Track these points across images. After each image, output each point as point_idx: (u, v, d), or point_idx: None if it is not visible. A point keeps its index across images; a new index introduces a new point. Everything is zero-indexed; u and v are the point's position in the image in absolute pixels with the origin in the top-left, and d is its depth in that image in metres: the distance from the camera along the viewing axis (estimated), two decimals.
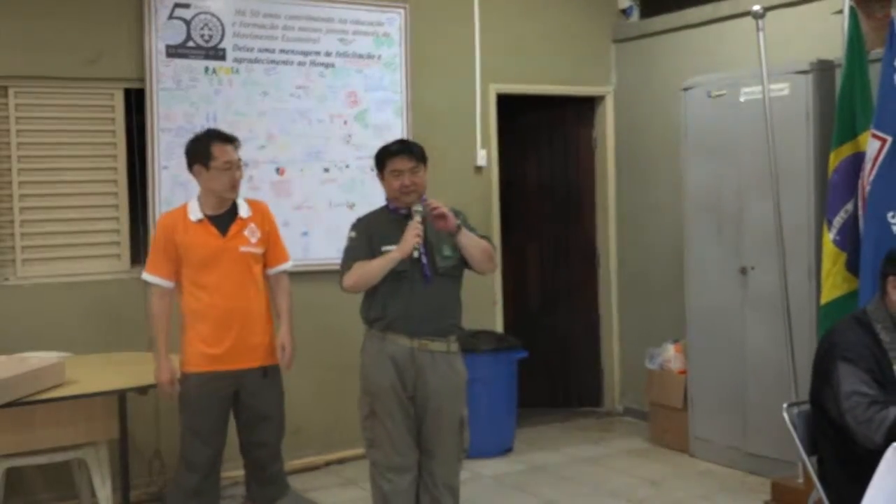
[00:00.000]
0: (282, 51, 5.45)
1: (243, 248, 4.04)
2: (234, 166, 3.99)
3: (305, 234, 5.53)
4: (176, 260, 3.98)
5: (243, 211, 4.09)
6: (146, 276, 4.04)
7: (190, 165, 4.03)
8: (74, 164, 5.09)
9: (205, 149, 3.96)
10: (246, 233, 4.06)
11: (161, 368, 3.95)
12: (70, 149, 5.08)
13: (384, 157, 3.78)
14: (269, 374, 4.08)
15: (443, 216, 3.61)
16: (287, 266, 4.22)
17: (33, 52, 4.92)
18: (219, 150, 3.94)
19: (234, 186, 4.01)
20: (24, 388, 3.93)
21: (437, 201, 3.69)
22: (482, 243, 3.77)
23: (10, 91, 4.89)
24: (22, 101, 4.94)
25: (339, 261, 3.93)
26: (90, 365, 4.47)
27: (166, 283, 3.99)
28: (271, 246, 4.16)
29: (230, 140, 4.02)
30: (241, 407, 4.07)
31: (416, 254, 3.63)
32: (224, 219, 4.03)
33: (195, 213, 4.01)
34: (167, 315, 4.01)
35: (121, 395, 4.15)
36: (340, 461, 5.53)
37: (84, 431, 4.19)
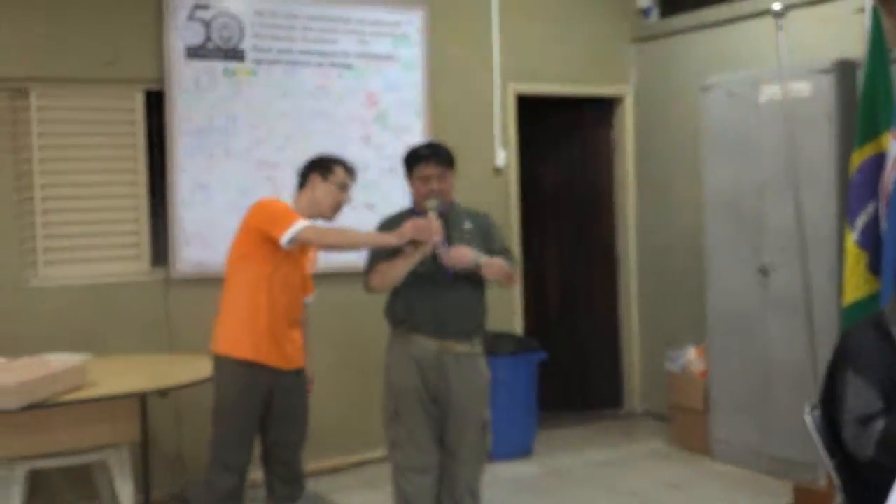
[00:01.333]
0: (301, 52, 5.48)
1: (307, 266, 4.10)
2: (346, 191, 4.00)
3: None
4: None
5: None
6: (297, 224, 3.79)
7: (307, 173, 4.01)
8: (95, 166, 5.14)
9: (330, 164, 4.00)
10: (311, 255, 4.11)
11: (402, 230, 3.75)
12: (91, 150, 5.12)
13: (413, 161, 3.82)
14: (300, 375, 4.12)
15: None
16: (310, 299, 4.24)
17: (53, 54, 4.97)
18: (341, 172, 3.97)
19: (337, 209, 4.01)
20: (45, 391, 3.95)
21: (459, 252, 3.68)
22: (503, 271, 3.78)
23: (32, 93, 4.95)
24: (43, 104, 4.99)
25: (361, 263, 3.96)
26: (111, 367, 4.48)
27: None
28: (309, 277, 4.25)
29: (352, 173, 4.04)
30: (275, 405, 4.06)
31: (436, 251, 3.65)
32: None
33: None
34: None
35: (142, 398, 4.18)
36: (361, 463, 5.55)
37: (105, 433, 4.21)
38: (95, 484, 4.68)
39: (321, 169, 4.03)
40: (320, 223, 3.99)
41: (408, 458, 3.77)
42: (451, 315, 3.74)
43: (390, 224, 3.87)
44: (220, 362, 3.98)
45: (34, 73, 4.94)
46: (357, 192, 5.49)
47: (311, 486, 4.57)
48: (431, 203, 3.73)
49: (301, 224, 3.79)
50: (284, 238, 3.76)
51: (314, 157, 4.13)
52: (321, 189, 3.97)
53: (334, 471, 5.45)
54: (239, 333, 3.96)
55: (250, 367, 3.92)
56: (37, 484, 4.49)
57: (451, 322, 3.74)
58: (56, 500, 4.89)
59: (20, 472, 4.14)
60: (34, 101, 4.98)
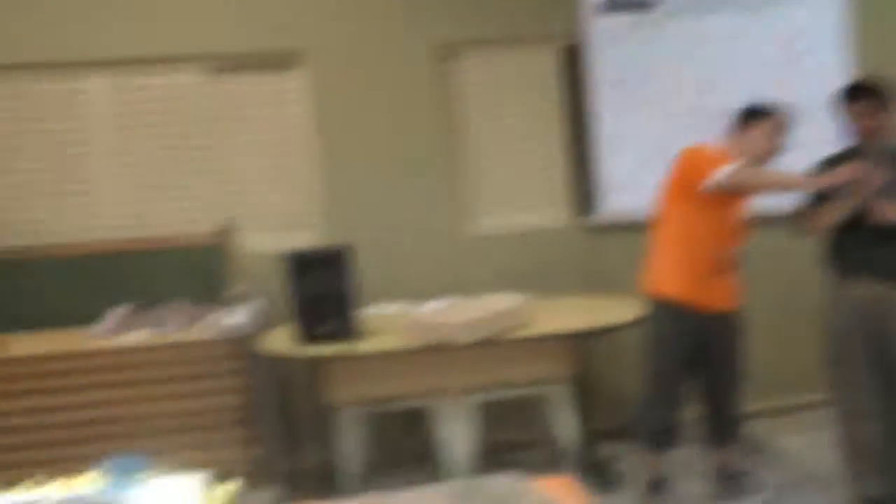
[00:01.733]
0: None
1: (740, 211, 4.11)
2: (781, 136, 4.00)
3: None
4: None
5: None
6: (725, 169, 3.87)
7: (742, 119, 4.05)
8: (517, 122, 5.49)
9: (764, 109, 4.02)
10: (744, 199, 4.10)
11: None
12: (512, 108, 5.47)
13: (843, 98, 3.76)
14: (733, 319, 4.19)
15: None
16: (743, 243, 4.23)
17: (478, 18, 5.34)
18: (776, 117, 3.98)
19: (771, 155, 4.01)
20: (490, 328, 4.34)
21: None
22: None
23: (461, 55, 5.40)
24: (469, 65, 5.43)
25: (792, 206, 3.98)
26: (546, 307, 4.78)
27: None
28: None
29: (787, 118, 4.02)
30: (707, 348, 4.18)
31: (870, 201, 3.61)
32: None
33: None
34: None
35: (581, 336, 4.48)
36: (801, 407, 5.50)
37: (546, 369, 4.54)
38: (540, 415, 4.98)
39: (755, 115, 4.05)
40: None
41: (850, 404, 3.77)
42: (888, 260, 3.68)
43: (829, 164, 3.83)
44: (653, 304, 4.17)
45: (463, 37, 5.36)
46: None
47: (750, 428, 4.65)
48: (876, 146, 3.66)
49: (729, 168, 3.85)
50: (711, 182, 3.86)
51: (749, 102, 4.13)
52: (755, 134, 4.00)
53: (774, 413, 5.47)
54: (671, 277, 4.12)
55: (682, 309, 4.06)
56: (492, 413, 4.84)
57: (889, 267, 3.68)
58: (506, 430, 5.26)
59: (473, 402, 4.59)
60: (462, 62, 5.43)
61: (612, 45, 5.39)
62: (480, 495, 2.40)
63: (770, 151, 4.01)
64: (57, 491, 2.36)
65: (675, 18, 5.45)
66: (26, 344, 4.68)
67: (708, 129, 5.47)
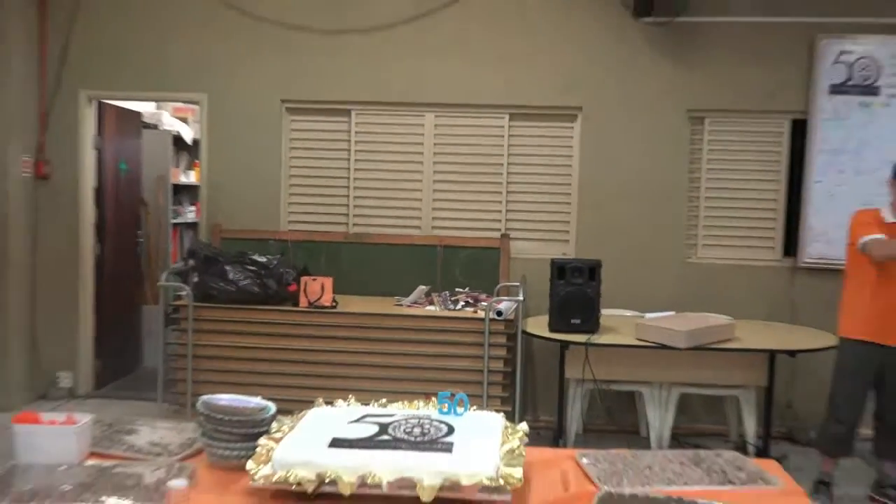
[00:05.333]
0: None
1: None
2: None
3: None
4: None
5: None
6: (864, 237, 4.30)
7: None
8: (748, 176, 5.86)
9: None
10: None
11: None
12: (745, 164, 5.86)
13: None
14: None
15: None
16: None
17: (723, 89, 5.77)
18: None
19: None
20: (706, 338, 4.71)
21: None
22: None
23: (706, 120, 5.82)
24: (715, 128, 5.86)
25: None
26: (750, 328, 5.10)
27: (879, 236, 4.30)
28: None
29: None
30: (886, 377, 4.42)
31: None
32: None
33: (888, 216, 4.39)
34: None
35: (772, 354, 4.80)
36: None
37: (740, 376, 4.88)
38: (726, 413, 5.40)
39: None
40: None
41: None
42: None
43: None
44: (842, 342, 4.50)
45: (711, 105, 5.80)
46: None
47: None
48: None
49: (863, 240, 4.20)
50: (859, 245, 4.24)
51: None
52: None
53: None
54: (853, 318, 4.43)
55: (864, 345, 4.37)
56: (684, 405, 5.22)
57: None
58: (695, 419, 5.68)
59: (675, 393, 5.00)
60: (707, 125, 5.83)
61: (836, 120, 5.67)
62: (708, 461, 2.55)
63: None
64: (402, 410, 2.58)
65: (890, 104, 5.68)
66: (358, 304, 5.50)
67: None
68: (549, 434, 5.45)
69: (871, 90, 5.72)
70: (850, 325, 4.49)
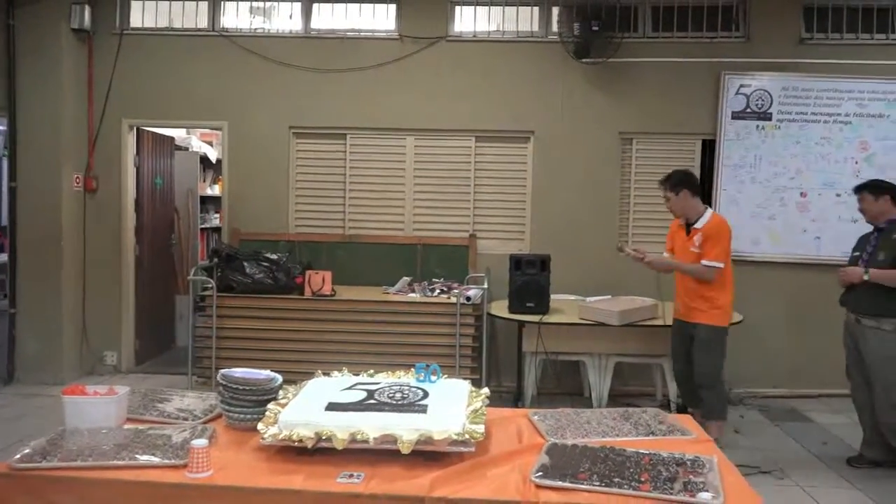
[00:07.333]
0: (812, 113, 5.64)
1: (691, 248, 4.26)
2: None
3: (818, 238, 5.68)
4: None
5: (701, 223, 4.28)
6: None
7: (679, 186, 4.23)
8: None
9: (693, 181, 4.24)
10: (695, 238, 4.26)
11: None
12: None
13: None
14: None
15: None
16: (709, 263, 4.20)
17: (647, 115, 5.76)
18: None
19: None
20: (635, 317, 4.73)
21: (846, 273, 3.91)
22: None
23: (634, 141, 5.76)
24: (641, 147, 5.78)
25: (844, 259, 4.24)
26: (671, 308, 4.81)
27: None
28: (705, 248, 4.22)
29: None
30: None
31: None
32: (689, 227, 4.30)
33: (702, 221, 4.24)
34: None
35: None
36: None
37: (663, 347, 4.82)
38: (653, 377, 5.34)
39: (690, 186, 4.21)
40: None
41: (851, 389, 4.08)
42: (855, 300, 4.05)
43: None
44: (721, 329, 4.30)
45: (637, 128, 5.76)
46: (845, 210, 5.56)
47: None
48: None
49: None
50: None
51: (686, 174, 4.29)
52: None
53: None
54: (725, 307, 4.27)
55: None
56: (619, 371, 5.18)
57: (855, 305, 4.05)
58: (627, 382, 5.62)
59: (611, 362, 4.97)
60: (635, 144, 5.76)
61: (736, 140, 5.68)
62: (635, 417, 2.57)
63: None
64: (386, 379, 2.53)
65: (786, 125, 5.67)
66: (350, 292, 5.42)
67: (797, 201, 5.60)
68: (510, 397, 5.44)
69: (764, 116, 5.75)
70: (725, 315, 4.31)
